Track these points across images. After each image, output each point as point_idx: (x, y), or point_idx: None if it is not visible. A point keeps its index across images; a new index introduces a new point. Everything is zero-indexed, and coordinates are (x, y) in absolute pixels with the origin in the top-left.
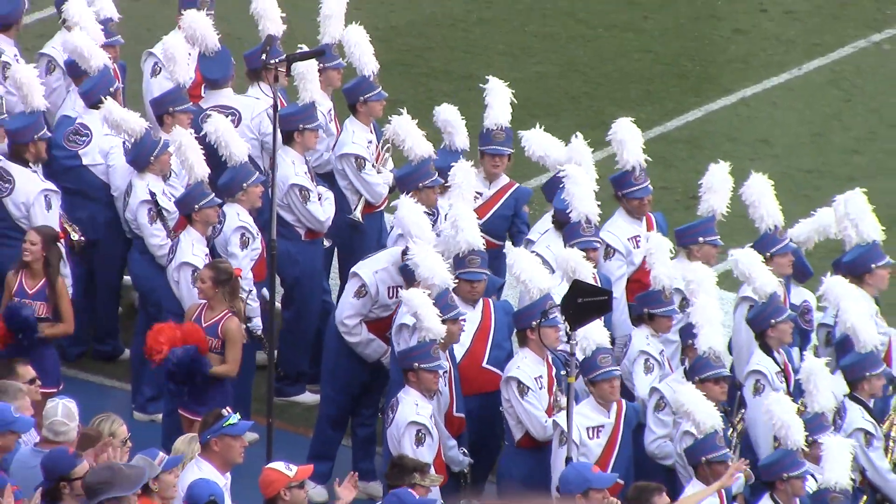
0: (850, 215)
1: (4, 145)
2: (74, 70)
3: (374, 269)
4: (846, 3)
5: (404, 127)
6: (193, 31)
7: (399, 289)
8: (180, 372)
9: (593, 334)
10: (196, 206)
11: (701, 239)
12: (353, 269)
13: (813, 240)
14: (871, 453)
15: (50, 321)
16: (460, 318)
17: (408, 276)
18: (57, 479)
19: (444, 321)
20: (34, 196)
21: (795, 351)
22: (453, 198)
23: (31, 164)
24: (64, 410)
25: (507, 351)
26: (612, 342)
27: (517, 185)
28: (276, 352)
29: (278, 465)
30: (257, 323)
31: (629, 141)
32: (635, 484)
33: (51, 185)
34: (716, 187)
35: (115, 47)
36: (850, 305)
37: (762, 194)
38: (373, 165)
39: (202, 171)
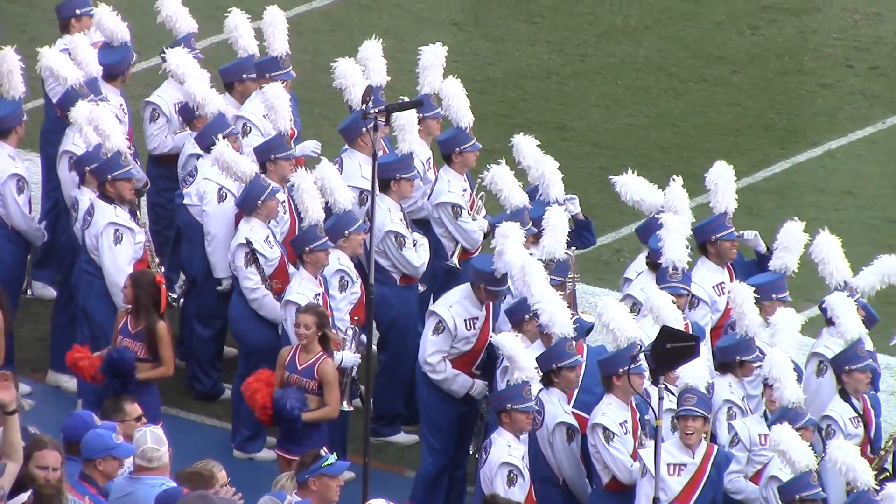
0: None
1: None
2: (188, 114)
3: (448, 304)
4: None
5: (502, 176)
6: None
7: (475, 321)
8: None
9: (690, 375)
10: (307, 249)
11: (774, 296)
12: (429, 309)
13: (876, 287)
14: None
15: (150, 362)
16: (577, 364)
17: (514, 318)
18: None
19: (562, 368)
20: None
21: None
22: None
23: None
24: (153, 437)
25: (595, 395)
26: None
27: None
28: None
29: (379, 502)
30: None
31: (724, 185)
32: None
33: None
34: (790, 245)
35: None
36: None
37: (830, 251)
38: (468, 213)
39: (317, 214)
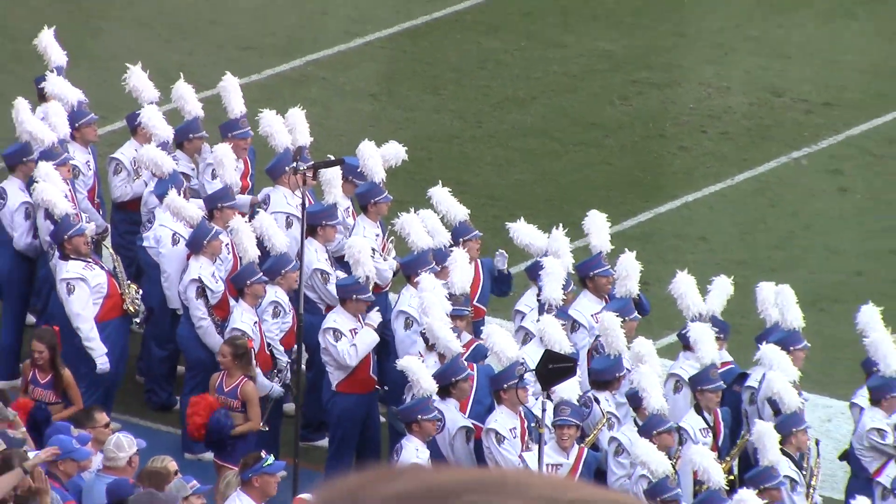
0: (780, 305)
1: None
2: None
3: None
4: (771, 126)
5: (410, 223)
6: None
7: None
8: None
9: (563, 390)
10: (248, 282)
11: (625, 317)
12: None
13: (723, 304)
14: (794, 496)
15: (60, 404)
16: (469, 376)
17: (426, 341)
18: (116, 502)
19: (458, 381)
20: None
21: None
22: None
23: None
24: (116, 442)
25: (485, 406)
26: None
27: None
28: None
29: (306, 496)
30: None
31: (599, 229)
32: None
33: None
34: (629, 274)
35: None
36: (777, 374)
37: (687, 287)
38: (379, 254)
39: (253, 253)
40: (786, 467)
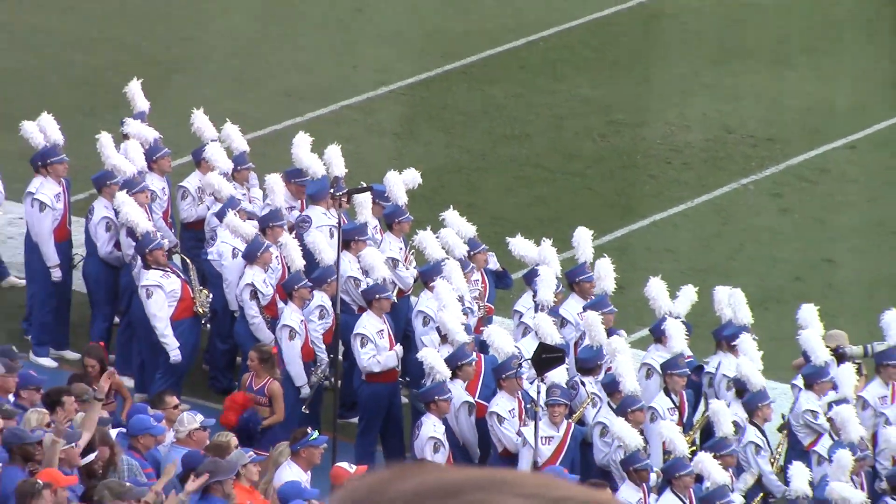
0: (733, 305)
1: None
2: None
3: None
4: (724, 158)
5: (426, 239)
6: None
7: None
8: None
9: (554, 375)
10: (295, 287)
11: (601, 311)
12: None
13: (688, 308)
14: (759, 460)
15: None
16: (473, 361)
17: (441, 335)
18: (188, 470)
19: (463, 365)
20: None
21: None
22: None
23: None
24: (181, 418)
25: (491, 390)
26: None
27: None
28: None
29: (343, 464)
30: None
31: (585, 243)
32: (590, 480)
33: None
34: (603, 275)
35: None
36: (745, 360)
37: (658, 291)
38: (403, 265)
39: (300, 263)
40: (752, 434)
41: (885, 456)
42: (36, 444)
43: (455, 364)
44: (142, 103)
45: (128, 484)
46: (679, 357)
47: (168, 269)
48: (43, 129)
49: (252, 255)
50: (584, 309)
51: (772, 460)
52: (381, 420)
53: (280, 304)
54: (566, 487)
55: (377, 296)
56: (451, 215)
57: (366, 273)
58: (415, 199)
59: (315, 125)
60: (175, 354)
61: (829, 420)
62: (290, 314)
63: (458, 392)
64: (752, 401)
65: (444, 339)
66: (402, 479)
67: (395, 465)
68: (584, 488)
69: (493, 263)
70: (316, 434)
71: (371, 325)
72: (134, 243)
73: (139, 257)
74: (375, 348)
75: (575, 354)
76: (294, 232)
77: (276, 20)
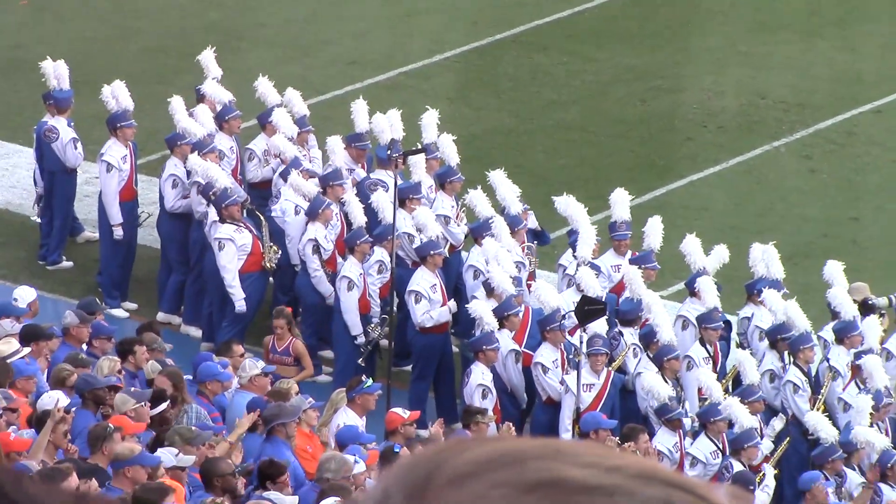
0: (766, 260)
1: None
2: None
3: (416, 282)
4: (757, 122)
5: (477, 198)
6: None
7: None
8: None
9: (596, 327)
10: (357, 242)
11: (643, 266)
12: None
13: (717, 266)
14: (797, 398)
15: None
16: (518, 313)
17: (487, 287)
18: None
19: (509, 315)
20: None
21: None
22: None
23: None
24: (243, 365)
25: (537, 340)
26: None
27: None
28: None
29: (398, 410)
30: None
31: (621, 203)
32: (627, 425)
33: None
34: (652, 232)
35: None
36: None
37: (693, 247)
38: (454, 222)
39: (362, 220)
40: (792, 374)
41: None
42: (107, 389)
43: (502, 314)
44: (214, 70)
45: (196, 429)
46: (713, 311)
47: (241, 224)
48: (115, 95)
49: (314, 212)
50: (631, 263)
51: (812, 400)
52: (434, 368)
53: (339, 260)
54: (619, 457)
55: (431, 252)
56: (496, 175)
57: (419, 230)
58: (467, 161)
59: (373, 91)
60: (241, 305)
61: (856, 368)
62: (350, 267)
63: (506, 341)
64: (795, 343)
65: (489, 292)
66: (461, 451)
67: (451, 438)
68: (635, 458)
69: (533, 222)
70: (370, 382)
71: (425, 280)
72: (205, 201)
73: (215, 211)
74: (430, 303)
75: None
76: (358, 192)
77: None
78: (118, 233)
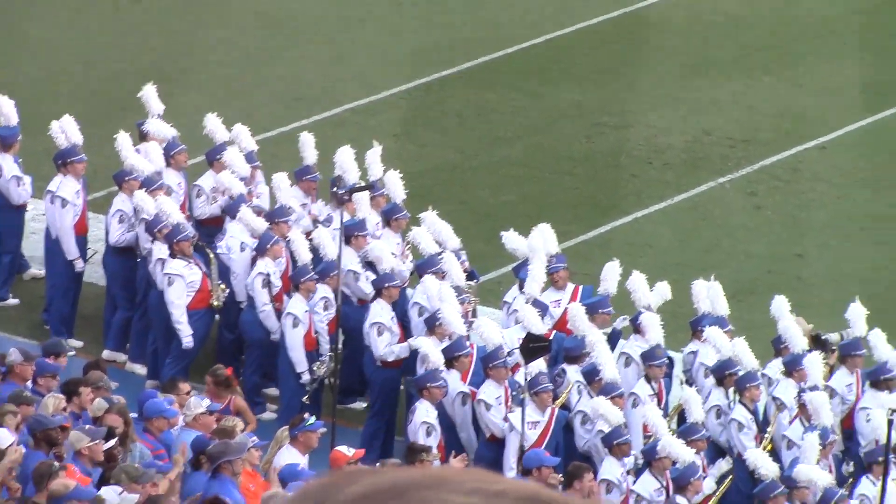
0: (711, 297)
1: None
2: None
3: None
4: (702, 158)
5: (421, 234)
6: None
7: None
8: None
9: (538, 365)
10: (302, 280)
11: (601, 311)
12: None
13: (660, 302)
14: (741, 437)
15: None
16: (469, 353)
17: (429, 324)
18: (198, 453)
19: (459, 356)
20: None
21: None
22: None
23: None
24: (195, 402)
25: (481, 377)
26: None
27: None
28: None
29: (342, 448)
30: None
31: (547, 236)
32: (573, 463)
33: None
34: (609, 277)
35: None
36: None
37: (639, 284)
38: (399, 258)
39: (307, 257)
40: (738, 413)
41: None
42: (58, 429)
43: (452, 354)
44: (156, 106)
45: (142, 468)
46: (656, 348)
47: (191, 260)
48: (64, 130)
49: (263, 247)
50: (587, 309)
51: (759, 437)
52: (393, 405)
53: (285, 297)
54: (503, 482)
55: (386, 284)
56: (429, 216)
57: (369, 266)
58: (412, 198)
59: (319, 127)
60: (188, 341)
61: (801, 406)
62: (296, 304)
63: (454, 382)
64: (741, 381)
65: (430, 329)
66: (353, 481)
67: (346, 469)
68: (519, 482)
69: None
70: (313, 419)
71: (385, 312)
72: (151, 237)
73: (160, 248)
74: (391, 337)
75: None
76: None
77: (279, 30)
78: (79, 266)
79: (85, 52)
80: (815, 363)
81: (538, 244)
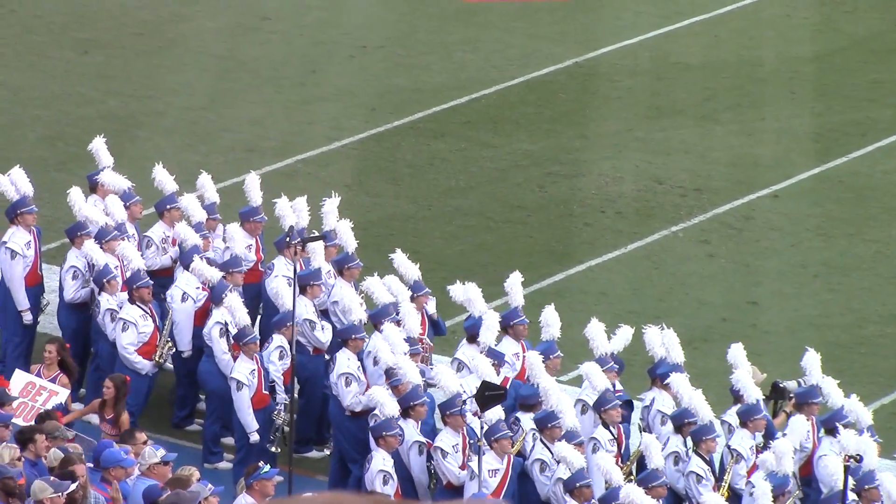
0: (666, 345)
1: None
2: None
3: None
4: (654, 207)
5: (374, 285)
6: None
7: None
8: None
9: (496, 413)
10: (243, 341)
11: (551, 356)
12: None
13: (620, 349)
14: (700, 488)
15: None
16: (425, 403)
17: (387, 374)
18: (151, 502)
19: (416, 405)
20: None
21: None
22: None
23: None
24: (150, 453)
25: (430, 426)
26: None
27: None
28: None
29: (308, 495)
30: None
31: (516, 288)
32: None
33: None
34: (551, 323)
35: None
36: (696, 394)
37: (596, 332)
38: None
39: (246, 319)
40: (695, 465)
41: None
42: (14, 479)
43: (408, 404)
44: (106, 159)
45: None
46: (606, 392)
47: (148, 312)
48: (14, 182)
49: (217, 297)
50: (538, 353)
51: (717, 487)
52: (363, 453)
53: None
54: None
55: (353, 336)
56: (398, 257)
57: (324, 315)
58: (365, 247)
59: (271, 178)
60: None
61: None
62: (241, 366)
63: (410, 432)
64: (698, 433)
65: (388, 377)
66: None
67: None
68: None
69: (432, 308)
70: (268, 467)
71: (352, 362)
72: (99, 289)
73: (106, 298)
74: (359, 387)
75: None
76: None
77: (232, 78)
78: (27, 318)
79: (34, 97)
80: (797, 424)
81: (476, 296)
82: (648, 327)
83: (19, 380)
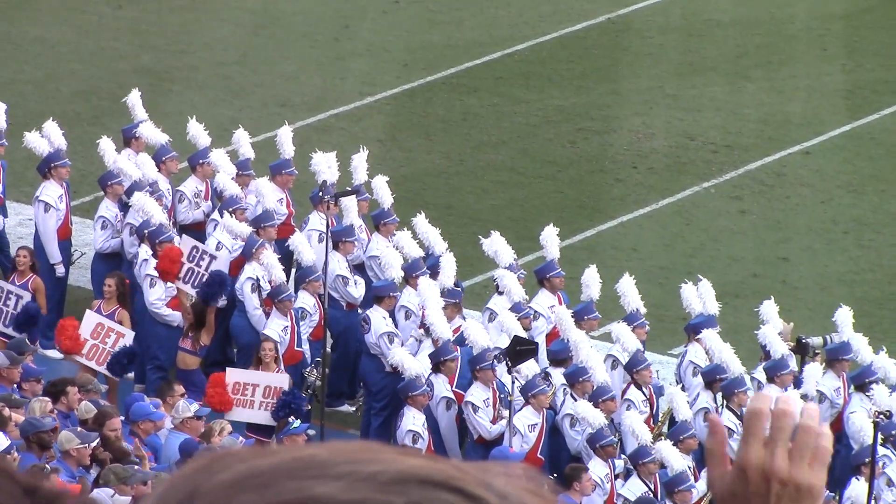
0: (702, 296)
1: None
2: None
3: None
4: (686, 163)
5: (404, 239)
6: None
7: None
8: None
9: (531, 368)
10: (279, 298)
11: (586, 317)
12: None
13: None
14: (731, 442)
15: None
16: (455, 358)
17: (426, 330)
18: (185, 457)
19: (446, 360)
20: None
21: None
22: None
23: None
24: (183, 406)
25: (468, 380)
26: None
27: None
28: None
29: None
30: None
31: (552, 241)
32: (570, 465)
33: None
34: (590, 283)
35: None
36: (726, 347)
37: (627, 288)
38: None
39: (281, 275)
40: (726, 419)
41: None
42: (49, 432)
43: (438, 359)
44: (140, 113)
45: (131, 469)
46: (637, 353)
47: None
48: (47, 136)
49: (248, 251)
50: (574, 316)
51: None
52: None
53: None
54: (375, 463)
55: (390, 293)
56: (419, 220)
57: (357, 270)
58: (399, 202)
59: (304, 132)
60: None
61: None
62: (272, 323)
63: (440, 388)
64: (729, 386)
65: (427, 332)
66: (215, 472)
67: (214, 454)
68: (394, 461)
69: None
70: (297, 423)
71: (389, 322)
72: (137, 241)
73: (145, 250)
74: (402, 345)
75: (547, 346)
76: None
77: (266, 33)
78: (59, 271)
79: (69, 51)
80: (811, 372)
81: (502, 247)
82: (685, 283)
83: (90, 321)
